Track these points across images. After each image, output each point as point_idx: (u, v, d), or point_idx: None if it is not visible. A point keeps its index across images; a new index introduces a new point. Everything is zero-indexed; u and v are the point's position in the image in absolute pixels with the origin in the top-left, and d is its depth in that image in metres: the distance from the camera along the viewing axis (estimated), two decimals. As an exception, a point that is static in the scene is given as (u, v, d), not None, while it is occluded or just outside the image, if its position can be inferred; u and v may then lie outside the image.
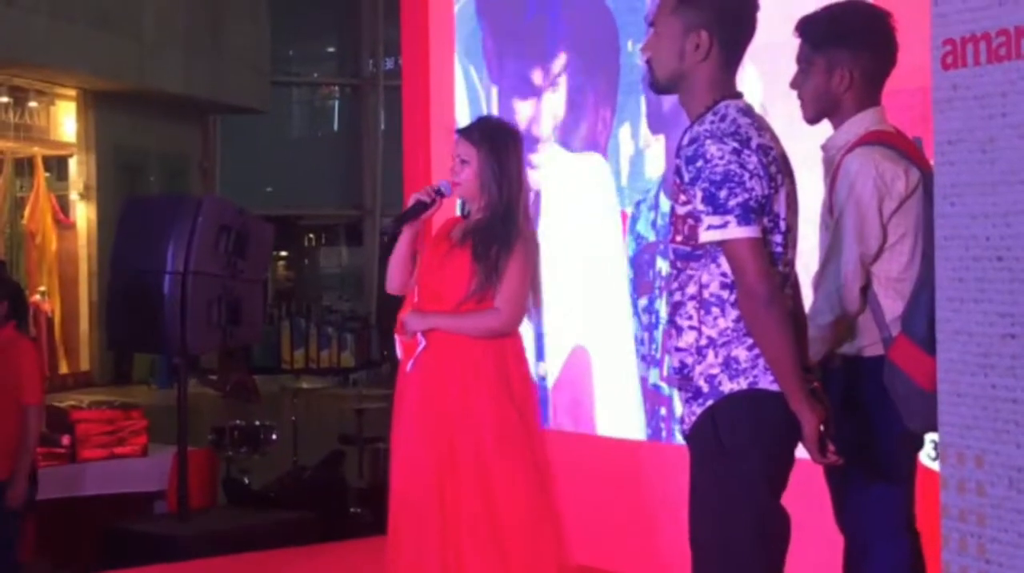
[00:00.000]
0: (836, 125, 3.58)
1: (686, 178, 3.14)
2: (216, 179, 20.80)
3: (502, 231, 4.52)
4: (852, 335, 3.49)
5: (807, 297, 3.49)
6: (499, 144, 4.58)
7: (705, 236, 3.11)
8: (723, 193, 3.06)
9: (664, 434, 5.94)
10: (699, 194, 3.10)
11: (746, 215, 3.06)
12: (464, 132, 4.65)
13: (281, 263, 23.95)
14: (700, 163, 3.10)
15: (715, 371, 3.14)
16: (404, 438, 4.55)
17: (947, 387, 1.85)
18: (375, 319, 19.40)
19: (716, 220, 3.08)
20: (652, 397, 6.01)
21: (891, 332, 3.39)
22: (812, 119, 3.63)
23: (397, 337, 4.58)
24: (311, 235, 24.93)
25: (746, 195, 3.07)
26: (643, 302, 6.08)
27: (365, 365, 16.51)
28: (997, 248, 1.80)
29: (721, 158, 3.08)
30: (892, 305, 3.43)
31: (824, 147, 3.63)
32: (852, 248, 3.44)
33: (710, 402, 3.15)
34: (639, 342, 6.11)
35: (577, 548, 4.64)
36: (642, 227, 6.13)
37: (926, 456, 4.63)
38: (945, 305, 1.86)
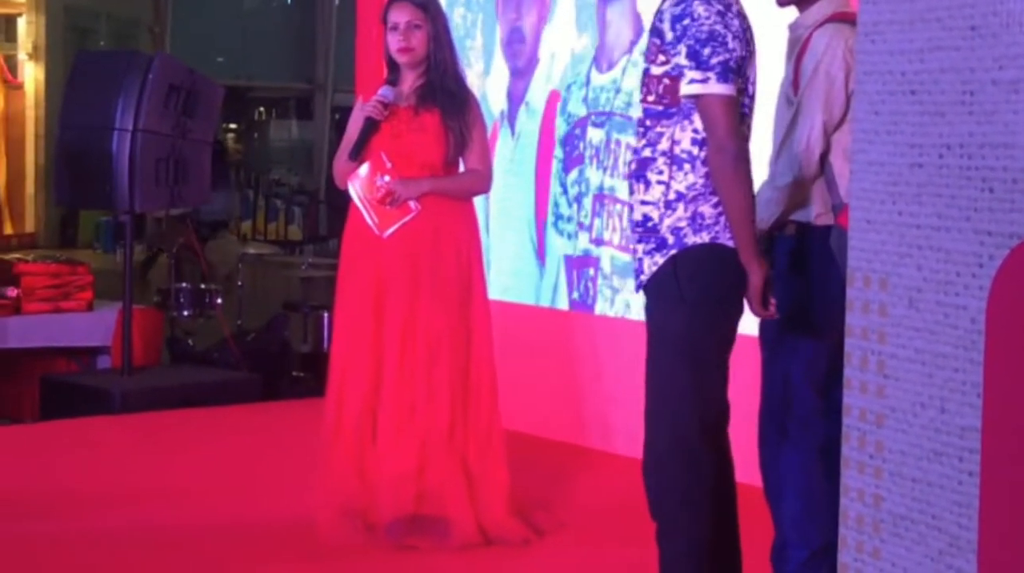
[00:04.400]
0: (803, 9, 3.68)
1: (669, 36, 3.32)
2: (166, 45, 20.52)
3: (461, 93, 4.63)
4: (806, 202, 3.61)
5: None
6: (438, 8, 4.72)
7: (686, 90, 3.30)
8: (707, 51, 3.28)
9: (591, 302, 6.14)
10: (683, 50, 3.29)
11: (725, 74, 3.29)
12: None
13: (230, 135, 23.77)
14: (687, 22, 3.29)
15: (682, 224, 3.34)
16: (356, 301, 4.62)
17: (858, 214, 1.96)
18: (323, 194, 19.36)
19: (698, 75, 3.29)
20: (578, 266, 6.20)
21: (842, 201, 3.53)
22: (783, 3, 3.72)
23: (370, 203, 4.57)
24: (261, 108, 24.73)
25: (727, 55, 3.29)
26: (573, 175, 6.23)
27: (312, 239, 16.51)
28: (911, 83, 1.89)
29: (707, 18, 3.28)
30: (845, 175, 3.56)
31: (792, 27, 3.73)
32: (817, 114, 3.55)
33: (673, 252, 3.35)
34: (562, 218, 6.30)
35: (506, 414, 4.79)
36: (573, 106, 6.27)
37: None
38: (861, 137, 1.96)
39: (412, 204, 4.55)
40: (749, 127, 3.48)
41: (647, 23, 5.72)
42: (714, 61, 3.27)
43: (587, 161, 6.16)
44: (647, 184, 3.40)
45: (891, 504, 1.88)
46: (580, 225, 6.19)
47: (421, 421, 4.54)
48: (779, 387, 3.69)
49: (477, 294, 4.66)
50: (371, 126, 4.57)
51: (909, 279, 1.85)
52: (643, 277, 3.41)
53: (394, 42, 4.62)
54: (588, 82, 6.19)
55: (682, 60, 3.30)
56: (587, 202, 6.15)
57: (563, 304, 6.34)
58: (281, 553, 4.45)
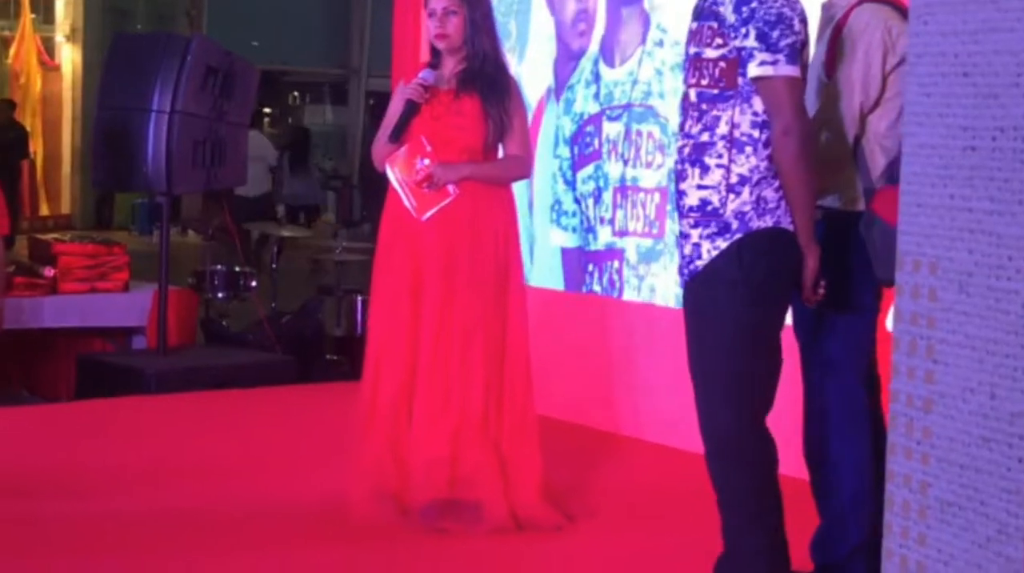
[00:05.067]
0: None
1: (732, 19, 3.31)
2: (203, 28, 20.59)
3: (502, 79, 4.63)
4: (836, 188, 3.59)
5: None
6: None
7: (755, 71, 3.31)
8: (776, 33, 3.29)
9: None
10: (752, 32, 3.30)
11: (793, 56, 3.31)
12: None
13: (265, 119, 23.83)
14: (755, 4, 3.31)
15: (747, 209, 3.35)
16: (393, 285, 4.62)
17: (909, 198, 1.94)
18: (357, 179, 19.37)
19: (768, 56, 3.30)
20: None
21: (874, 185, 3.50)
22: None
23: (409, 187, 4.56)
24: (296, 93, 24.77)
25: (794, 37, 3.32)
26: (587, 172, 6.24)
27: (347, 224, 16.54)
28: (964, 64, 1.87)
29: (775, 1, 3.31)
30: (877, 161, 3.53)
31: (825, 6, 3.71)
32: (855, 95, 3.53)
33: (738, 236, 3.35)
34: (565, 214, 6.36)
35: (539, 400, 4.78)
36: (580, 105, 6.32)
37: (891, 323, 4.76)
38: (911, 120, 1.94)
39: (451, 188, 4.54)
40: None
41: (653, 17, 5.83)
42: (783, 43, 3.29)
43: (605, 156, 6.16)
44: (704, 168, 3.38)
45: (938, 490, 1.86)
46: (601, 220, 6.18)
47: (456, 406, 4.54)
48: (818, 376, 3.67)
49: (514, 280, 4.65)
50: (412, 109, 4.56)
51: (960, 263, 1.83)
52: (699, 262, 3.39)
53: (432, 28, 4.63)
54: (598, 78, 6.21)
55: (750, 43, 3.30)
56: (607, 196, 6.15)
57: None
58: (313, 535, 4.45)
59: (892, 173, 3.42)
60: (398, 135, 4.58)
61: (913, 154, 1.92)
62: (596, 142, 6.21)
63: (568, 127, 6.39)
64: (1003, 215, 1.82)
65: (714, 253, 3.35)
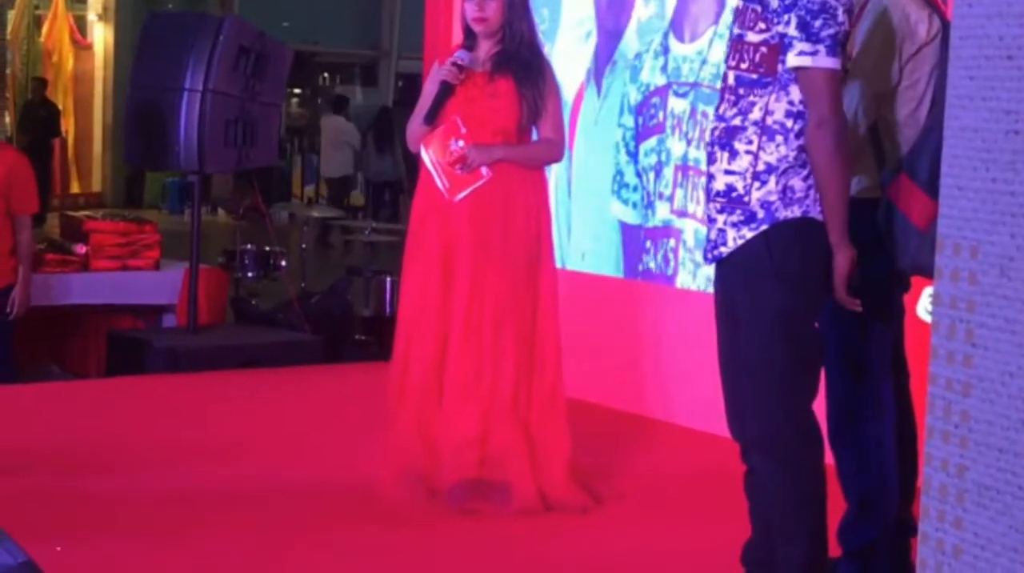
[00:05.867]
0: None
1: (775, 4, 3.23)
2: (235, 9, 20.62)
3: (536, 62, 4.63)
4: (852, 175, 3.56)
5: None
6: None
7: (794, 61, 3.21)
8: (818, 23, 3.18)
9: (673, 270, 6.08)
10: (794, 20, 3.20)
11: (835, 47, 3.20)
12: None
13: (295, 100, 23.86)
14: None
15: (772, 198, 3.26)
16: (424, 265, 4.63)
17: (950, 182, 1.92)
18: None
19: (807, 47, 3.19)
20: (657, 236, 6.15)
21: (891, 176, 3.47)
22: None
23: (442, 167, 4.57)
24: (326, 74, 24.78)
25: (837, 28, 3.21)
26: (650, 144, 6.18)
27: (376, 205, 16.58)
28: (1009, 47, 1.85)
29: None
30: (893, 150, 3.50)
31: None
32: (869, 83, 3.49)
33: (764, 227, 3.26)
34: (626, 187, 6.27)
35: (569, 382, 4.78)
36: (648, 75, 6.22)
37: (923, 309, 4.74)
38: (954, 103, 1.93)
39: (484, 170, 4.54)
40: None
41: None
42: (824, 34, 3.18)
43: (668, 130, 6.09)
44: (733, 153, 3.31)
45: (976, 474, 1.85)
46: (660, 195, 6.13)
47: (486, 387, 4.54)
48: (837, 367, 3.64)
49: (545, 262, 4.65)
50: (446, 90, 4.56)
51: (1001, 247, 1.82)
52: (724, 249, 3.33)
53: (470, 11, 4.62)
54: (667, 51, 6.13)
55: (791, 31, 3.21)
56: (667, 172, 6.10)
57: (621, 272, 6.33)
58: (342, 514, 4.47)
59: (910, 163, 3.38)
60: (433, 116, 4.58)
61: (955, 137, 1.91)
62: (661, 115, 6.12)
63: (634, 96, 6.29)
64: (1045, 199, 1.81)
65: (740, 242, 3.29)
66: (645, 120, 6.23)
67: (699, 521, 4.52)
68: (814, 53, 3.18)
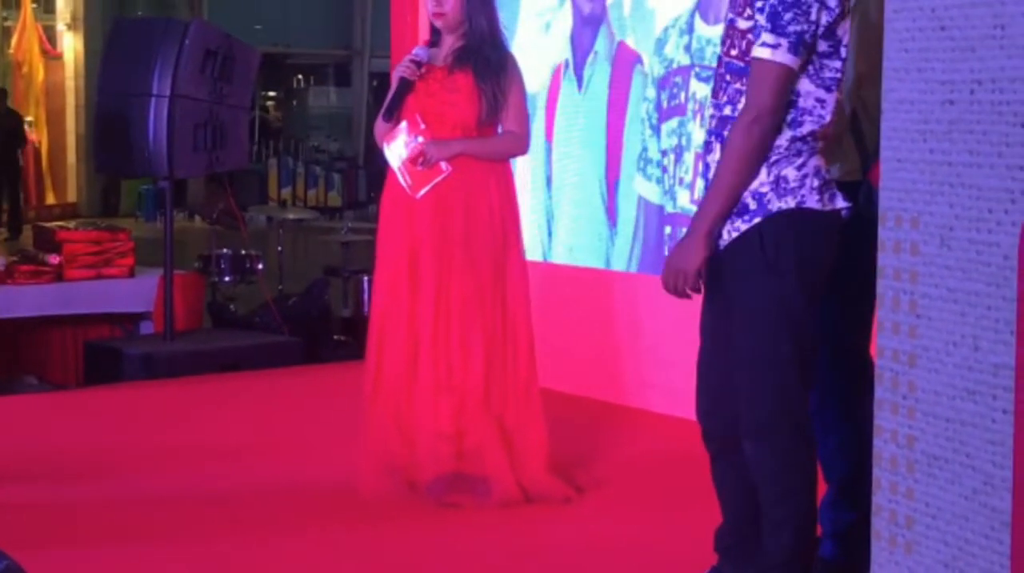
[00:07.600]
0: None
1: None
2: (204, 14, 20.59)
3: (496, 56, 4.62)
4: (834, 159, 3.56)
5: None
6: None
7: (757, 51, 3.14)
8: (788, 16, 3.10)
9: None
10: (766, 9, 3.12)
11: (798, 45, 3.11)
12: None
13: (270, 103, 23.83)
14: None
15: (765, 190, 3.19)
16: (392, 263, 4.63)
17: (889, 154, 1.94)
18: (363, 160, 19.40)
19: (771, 39, 3.11)
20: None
21: (872, 158, 3.48)
22: None
23: (403, 164, 4.57)
24: (300, 75, 24.76)
25: (806, 26, 3.11)
26: (672, 124, 6.05)
27: (352, 205, 16.57)
28: (941, 18, 1.87)
29: None
30: (873, 133, 3.51)
31: None
32: (853, 64, 3.49)
33: (758, 219, 3.20)
34: (650, 162, 6.15)
35: (543, 372, 4.78)
36: (671, 50, 6.07)
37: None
38: (891, 75, 1.94)
39: (444, 165, 4.54)
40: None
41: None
42: (792, 29, 3.09)
43: (690, 114, 5.94)
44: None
45: (924, 444, 1.86)
46: (680, 181, 5.99)
47: (457, 382, 4.55)
48: (823, 342, 3.64)
49: (513, 255, 4.65)
50: (405, 86, 4.57)
51: (941, 217, 1.83)
52: (719, 241, 3.24)
53: (429, 6, 4.63)
54: (691, 30, 5.96)
55: (761, 19, 3.12)
56: (688, 158, 5.96)
57: (639, 251, 6.20)
58: (323, 513, 4.47)
59: None
60: (391, 113, 4.59)
61: (893, 110, 1.92)
62: (683, 95, 5.98)
63: (657, 69, 6.13)
64: (982, 168, 1.81)
65: (734, 234, 3.22)
66: (668, 98, 6.08)
67: (679, 506, 4.53)
68: (776, 46, 3.11)
